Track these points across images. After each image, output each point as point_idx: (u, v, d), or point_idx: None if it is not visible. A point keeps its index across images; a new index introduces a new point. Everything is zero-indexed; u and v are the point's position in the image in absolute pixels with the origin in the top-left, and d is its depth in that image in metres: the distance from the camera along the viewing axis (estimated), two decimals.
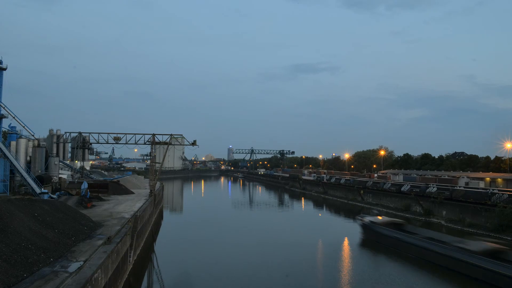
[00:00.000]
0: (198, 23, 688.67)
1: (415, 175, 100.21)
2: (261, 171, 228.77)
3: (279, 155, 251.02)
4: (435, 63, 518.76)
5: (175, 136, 68.33)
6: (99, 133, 65.35)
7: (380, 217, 52.06)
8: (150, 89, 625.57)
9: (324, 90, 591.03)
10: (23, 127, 59.63)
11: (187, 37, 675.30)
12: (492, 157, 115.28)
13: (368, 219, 52.00)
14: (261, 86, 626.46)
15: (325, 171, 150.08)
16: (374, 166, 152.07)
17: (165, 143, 66.57)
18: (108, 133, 65.79)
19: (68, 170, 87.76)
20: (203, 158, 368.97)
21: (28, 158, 60.65)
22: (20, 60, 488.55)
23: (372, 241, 47.89)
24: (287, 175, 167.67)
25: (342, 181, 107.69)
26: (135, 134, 66.98)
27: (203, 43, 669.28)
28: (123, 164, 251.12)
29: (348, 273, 35.64)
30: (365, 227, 51.25)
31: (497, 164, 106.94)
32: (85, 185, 53.11)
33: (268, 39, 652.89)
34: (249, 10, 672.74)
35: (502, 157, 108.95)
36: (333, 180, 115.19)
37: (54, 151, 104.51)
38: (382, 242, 46.10)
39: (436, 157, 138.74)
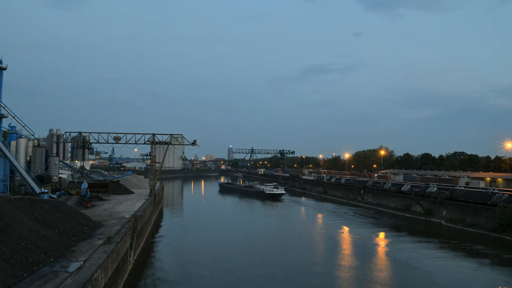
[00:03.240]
0: (211, 23, 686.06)
1: (415, 175, 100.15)
2: (261, 171, 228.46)
3: (279, 155, 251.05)
4: (445, 64, 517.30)
5: (175, 136, 68.33)
6: (99, 132, 65.41)
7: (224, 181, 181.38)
8: (158, 89, 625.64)
9: (332, 90, 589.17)
10: (23, 126, 59.61)
11: (199, 37, 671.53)
12: (493, 157, 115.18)
13: (219, 182, 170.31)
14: (270, 87, 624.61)
15: (325, 171, 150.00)
16: (374, 166, 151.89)
17: (165, 143, 66.54)
18: (108, 133, 65.82)
19: (68, 170, 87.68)
20: (203, 158, 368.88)
21: (28, 158, 60.60)
22: (27, 59, 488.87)
23: (222, 189, 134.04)
24: (287, 175, 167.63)
25: (342, 181, 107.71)
26: (135, 134, 67.02)
27: (215, 43, 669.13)
28: (123, 164, 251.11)
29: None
30: (219, 185, 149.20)
31: (498, 164, 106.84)
32: (85, 185, 53.11)
33: (282, 41, 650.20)
34: (264, 11, 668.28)
35: (503, 157, 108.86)
36: (333, 180, 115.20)
37: (54, 150, 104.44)
38: (225, 190, 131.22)
39: (437, 157, 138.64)
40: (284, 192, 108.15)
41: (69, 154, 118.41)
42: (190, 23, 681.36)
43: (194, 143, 68.48)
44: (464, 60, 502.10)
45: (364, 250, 44.55)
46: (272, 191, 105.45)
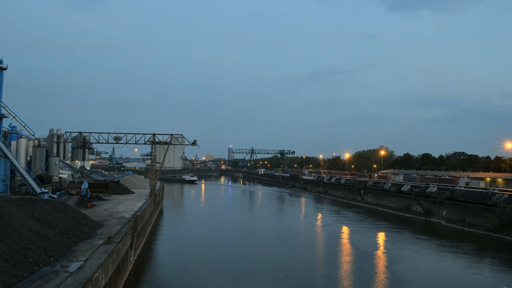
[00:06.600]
0: (222, 24, 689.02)
1: (415, 175, 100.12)
2: (261, 171, 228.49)
3: (279, 155, 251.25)
4: (455, 66, 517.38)
5: (175, 136, 68.33)
6: (99, 132, 65.45)
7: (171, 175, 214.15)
8: (165, 89, 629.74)
9: (341, 91, 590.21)
10: (24, 126, 59.81)
11: (213, 37, 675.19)
12: (493, 157, 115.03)
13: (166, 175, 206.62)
14: (281, 87, 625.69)
15: (326, 171, 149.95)
16: (375, 166, 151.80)
17: (165, 143, 66.59)
18: (109, 133, 65.89)
19: (68, 170, 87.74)
20: (204, 158, 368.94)
21: (29, 157, 60.71)
22: (31, 59, 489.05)
23: (165, 180, 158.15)
24: (288, 175, 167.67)
25: (343, 181, 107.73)
26: (135, 134, 67.08)
27: (229, 44, 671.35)
28: (123, 164, 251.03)
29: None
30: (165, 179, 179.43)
31: (498, 164, 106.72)
32: (85, 185, 53.22)
33: (294, 42, 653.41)
34: (280, 12, 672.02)
35: (503, 157, 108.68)
36: (333, 180, 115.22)
37: (55, 150, 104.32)
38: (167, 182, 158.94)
39: (437, 157, 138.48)
40: (196, 179, 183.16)
41: (70, 154, 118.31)
42: (206, 23, 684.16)
43: (194, 143, 68.51)
44: (473, 62, 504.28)
45: (364, 250, 44.59)
46: (190, 178, 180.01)
